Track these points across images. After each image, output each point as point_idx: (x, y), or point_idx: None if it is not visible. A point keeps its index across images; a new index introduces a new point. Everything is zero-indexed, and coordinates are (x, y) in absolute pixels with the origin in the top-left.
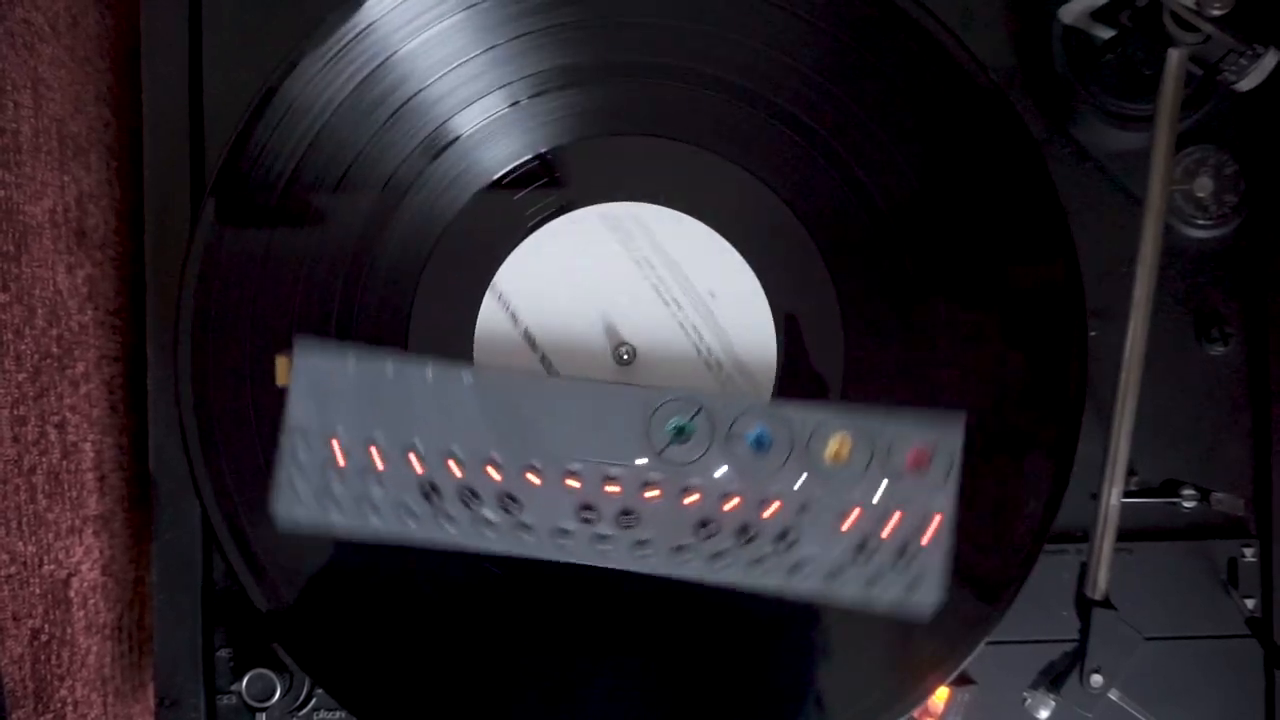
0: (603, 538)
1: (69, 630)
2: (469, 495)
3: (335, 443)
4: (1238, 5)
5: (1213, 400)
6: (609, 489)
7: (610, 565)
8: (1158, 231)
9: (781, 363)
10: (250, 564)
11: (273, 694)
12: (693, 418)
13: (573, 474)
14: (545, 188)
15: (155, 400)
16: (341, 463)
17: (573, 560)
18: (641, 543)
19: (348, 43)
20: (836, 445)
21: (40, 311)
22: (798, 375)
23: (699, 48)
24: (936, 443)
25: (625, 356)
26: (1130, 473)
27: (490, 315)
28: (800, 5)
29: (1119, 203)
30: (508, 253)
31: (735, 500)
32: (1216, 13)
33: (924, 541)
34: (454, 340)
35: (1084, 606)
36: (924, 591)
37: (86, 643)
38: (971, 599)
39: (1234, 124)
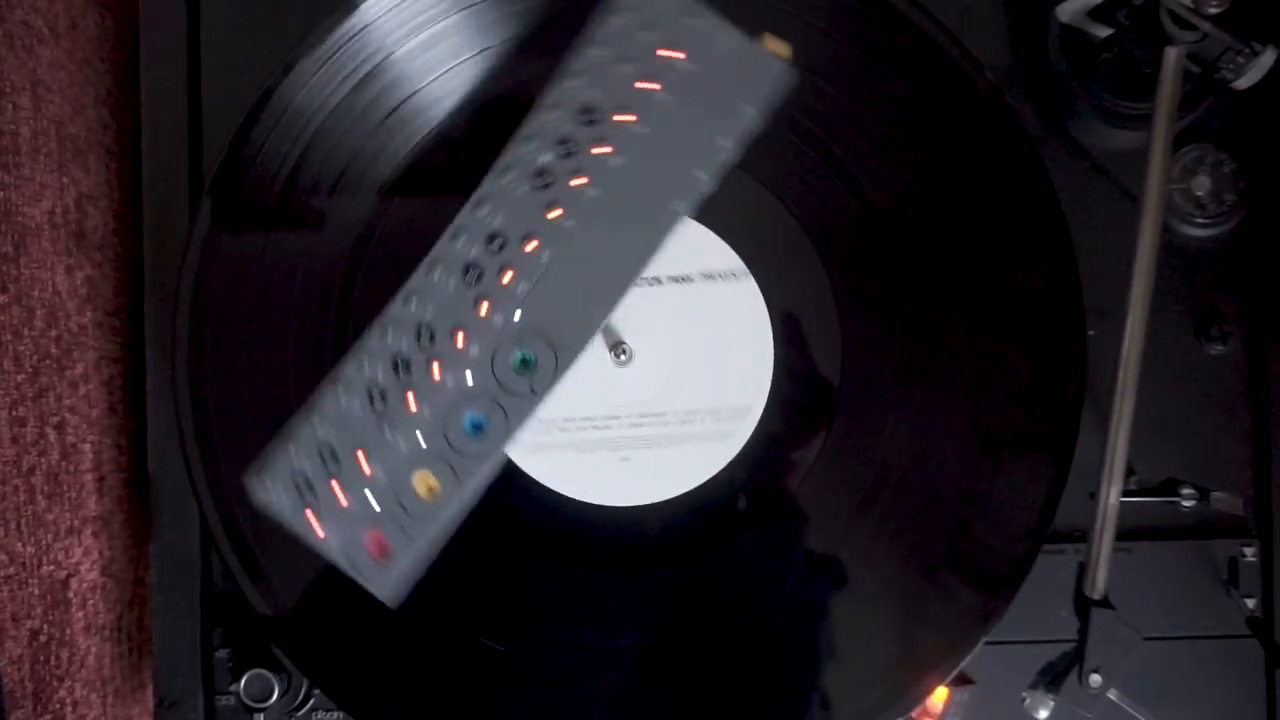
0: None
1: (68, 631)
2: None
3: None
4: (1235, 3)
5: (1212, 399)
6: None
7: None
8: (1156, 230)
9: (779, 364)
10: (249, 565)
11: (271, 694)
12: (538, 373)
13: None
14: None
15: (154, 401)
16: (344, 503)
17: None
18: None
19: (344, 45)
20: (430, 484)
21: (39, 312)
22: (796, 376)
23: None
24: (391, 564)
25: (622, 356)
26: (1129, 472)
27: None
28: (799, 6)
29: (1117, 201)
30: None
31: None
32: (1213, 11)
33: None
34: None
35: (1083, 606)
36: (264, 477)
37: (86, 643)
38: (971, 598)
39: (1232, 122)
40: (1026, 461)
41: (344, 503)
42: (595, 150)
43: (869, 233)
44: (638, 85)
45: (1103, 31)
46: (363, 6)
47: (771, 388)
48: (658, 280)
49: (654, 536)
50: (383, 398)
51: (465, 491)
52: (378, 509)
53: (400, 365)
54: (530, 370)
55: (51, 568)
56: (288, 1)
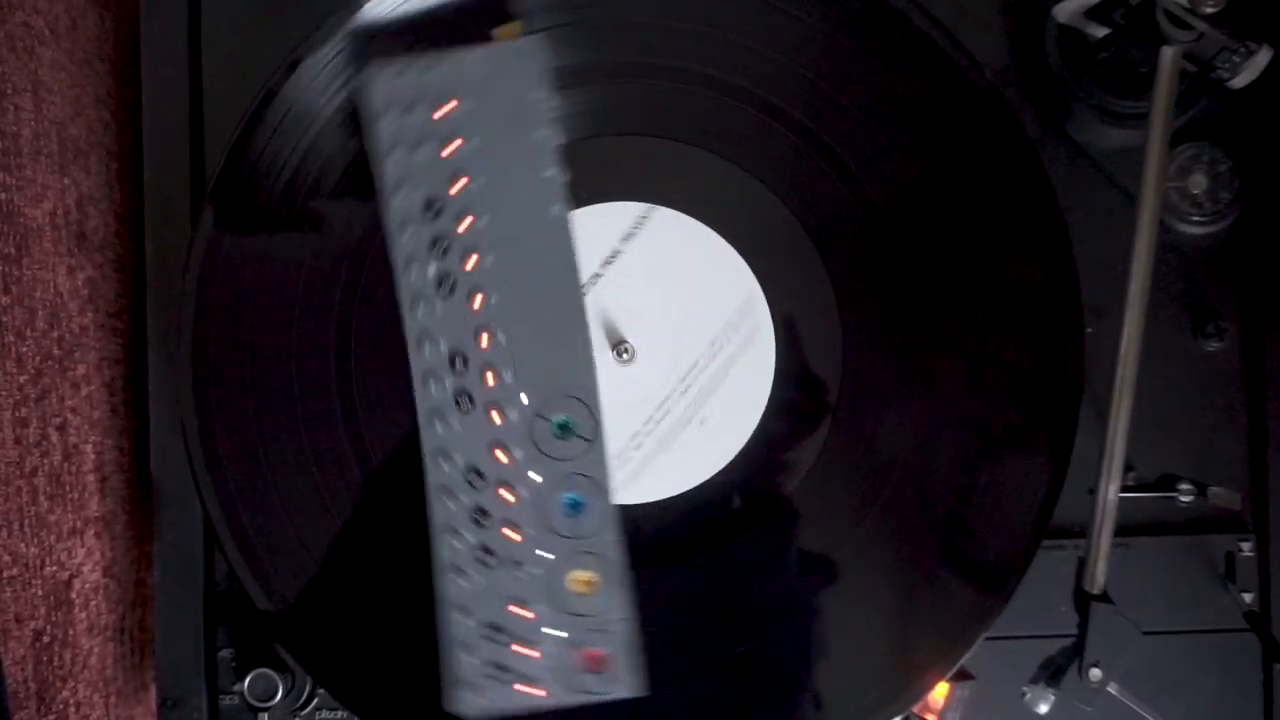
0: (436, 379)
1: (71, 632)
2: (440, 242)
3: (452, 104)
4: (1230, 3)
5: (1209, 395)
6: (488, 375)
7: (413, 390)
8: (1153, 229)
9: (780, 363)
10: (252, 564)
11: (275, 694)
12: (579, 436)
13: (491, 334)
14: None
15: (156, 402)
16: (435, 116)
17: (405, 343)
18: (442, 419)
19: (347, 44)
20: (588, 579)
21: (41, 314)
22: (796, 375)
23: (697, 48)
24: (618, 673)
25: (624, 355)
26: (1127, 468)
27: None
28: (797, 6)
29: (1114, 200)
30: None
31: (510, 498)
32: (1209, 10)
33: (517, 686)
34: None
35: (1082, 601)
36: (469, 697)
37: (89, 644)
38: (970, 594)
39: (1228, 121)
40: (1025, 458)
41: (536, 655)
42: (460, 227)
43: (869, 231)
44: (444, 153)
45: (1100, 31)
46: (366, 6)
47: (772, 386)
48: (659, 280)
49: (654, 535)
50: (488, 551)
51: (614, 557)
52: (566, 635)
53: (479, 515)
54: (573, 429)
55: (54, 568)
56: (289, 1)
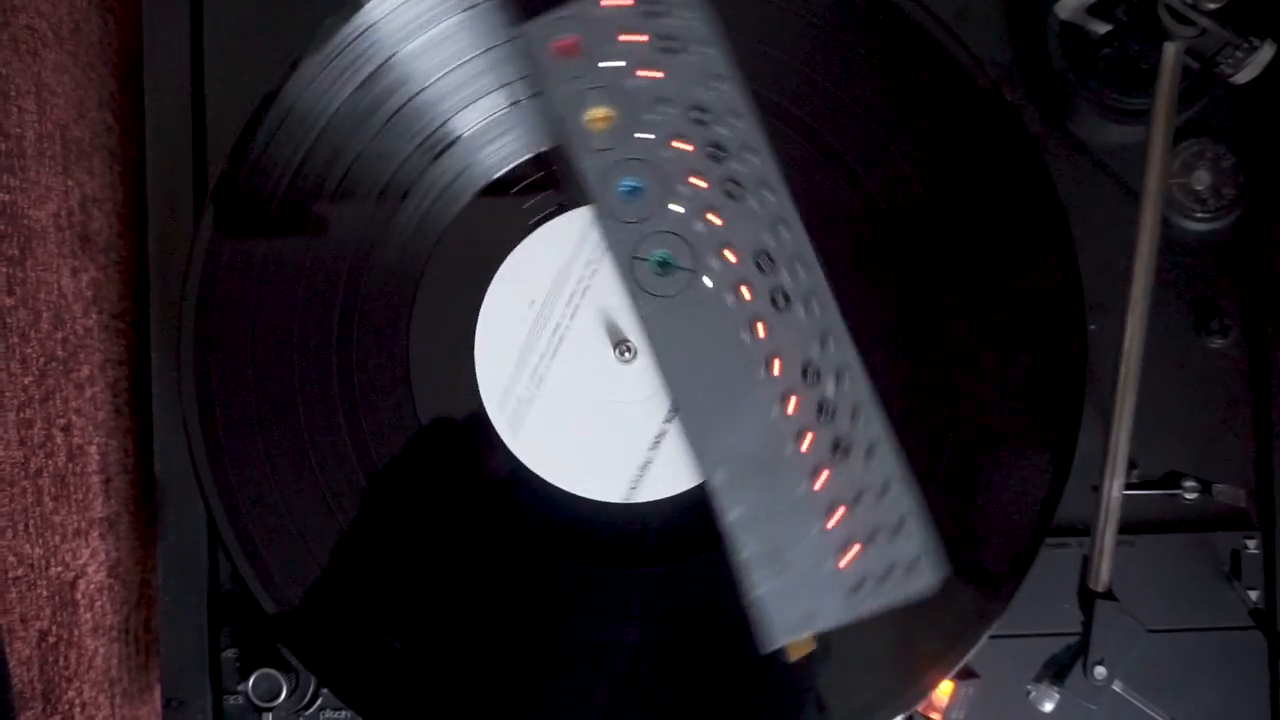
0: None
1: (76, 632)
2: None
3: None
4: None
5: (1213, 392)
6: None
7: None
8: (1156, 225)
9: None
10: (255, 564)
11: (279, 694)
12: (681, 269)
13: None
14: (545, 187)
15: (160, 403)
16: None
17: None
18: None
19: (348, 45)
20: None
21: (45, 315)
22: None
23: None
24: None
25: (626, 354)
26: (1131, 465)
27: (526, 256)
28: (798, 5)
29: (1117, 197)
30: (508, 252)
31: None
32: (1212, 6)
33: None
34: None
35: (1087, 599)
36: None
37: (93, 644)
38: (974, 592)
39: (1231, 117)
40: (1029, 456)
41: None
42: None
43: (870, 230)
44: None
45: (1101, 27)
46: (366, 6)
47: None
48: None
49: (655, 533)
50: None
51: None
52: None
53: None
54: (670, 266)
55: (59, 569)
56: (291, 3)
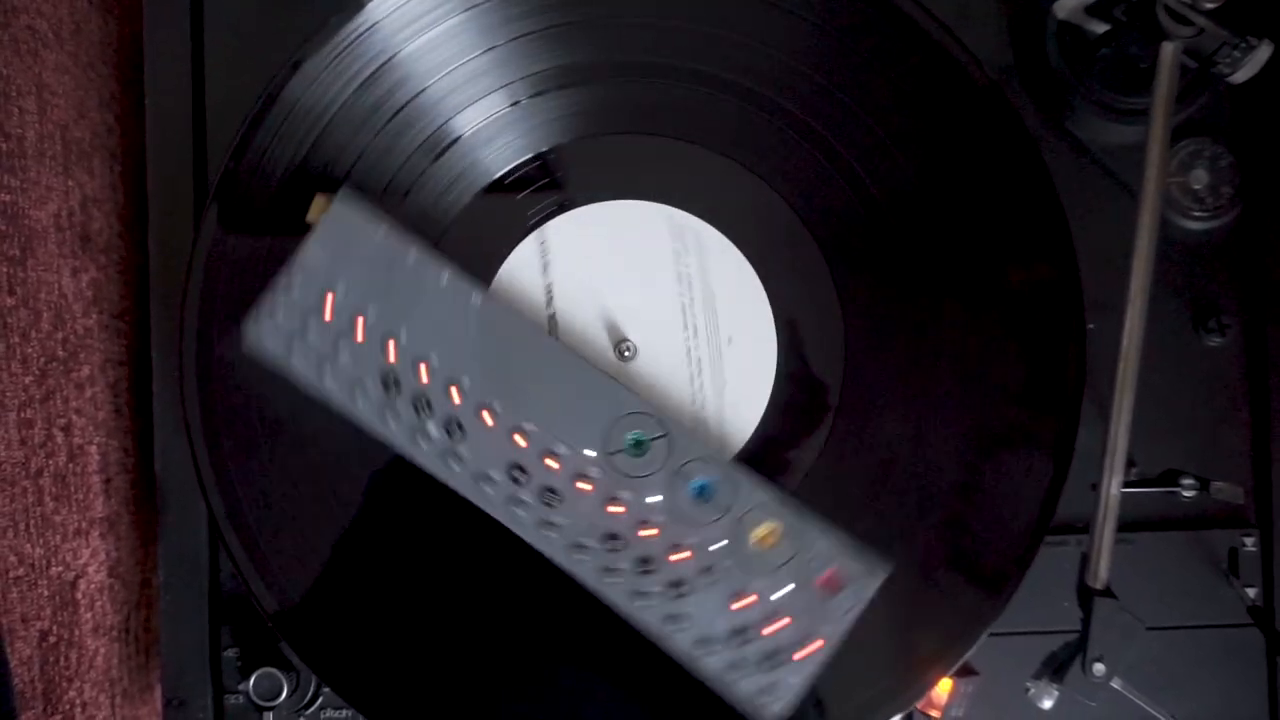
0: (519, 502)
1: (76, 632)
2: (423, 404)
3: (330, 296)
4: None
5: (1211, 390)
6: (548, 462)
7: (511, 528)
8: (1154, 224)
9: (782, 361)
10: (256, 564)
11: (280, 693)
12: (655, 439)
13: (523, 432)
14: (546, 187)
15: (160, 403)
16: (327, 317)
17: (480, 507)
18: (550, 524)
19: (349, 45)
20: (767, 531)
21: (46, 315)
22: (798, 372)
23: (698, 47)
24: (856, 576)
25: (626, 353)
26: (1130, 463)
27: (526, 256)
28: (798, 4)
29: (1116, 196)
30: (508, 252)
31: (652, 531)
32: (1209, 6)
33: (796, 656)
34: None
35: (1085, 596)
36: (772, 700)
37: (94, 644)
38: (973, 590)
39: (1229, 116)
40: (1028, 455)
41: (787, 621)
42: (422, 379)
43: (871, 228)
44: (359, 339)
45: (1100, 27)
46: (369, 6)
47: (774, 386)
48: (691, 301)
49: None
50: (677, 585)
51: (765, 496)
52: (793, 584)
53: (644, 565)
54: (643, 439)
55: (60, 569)
56: (291, 3)
